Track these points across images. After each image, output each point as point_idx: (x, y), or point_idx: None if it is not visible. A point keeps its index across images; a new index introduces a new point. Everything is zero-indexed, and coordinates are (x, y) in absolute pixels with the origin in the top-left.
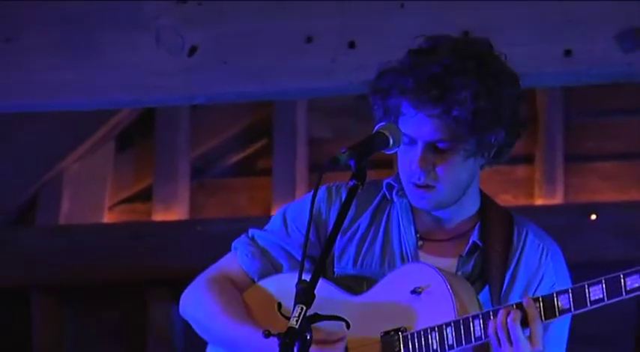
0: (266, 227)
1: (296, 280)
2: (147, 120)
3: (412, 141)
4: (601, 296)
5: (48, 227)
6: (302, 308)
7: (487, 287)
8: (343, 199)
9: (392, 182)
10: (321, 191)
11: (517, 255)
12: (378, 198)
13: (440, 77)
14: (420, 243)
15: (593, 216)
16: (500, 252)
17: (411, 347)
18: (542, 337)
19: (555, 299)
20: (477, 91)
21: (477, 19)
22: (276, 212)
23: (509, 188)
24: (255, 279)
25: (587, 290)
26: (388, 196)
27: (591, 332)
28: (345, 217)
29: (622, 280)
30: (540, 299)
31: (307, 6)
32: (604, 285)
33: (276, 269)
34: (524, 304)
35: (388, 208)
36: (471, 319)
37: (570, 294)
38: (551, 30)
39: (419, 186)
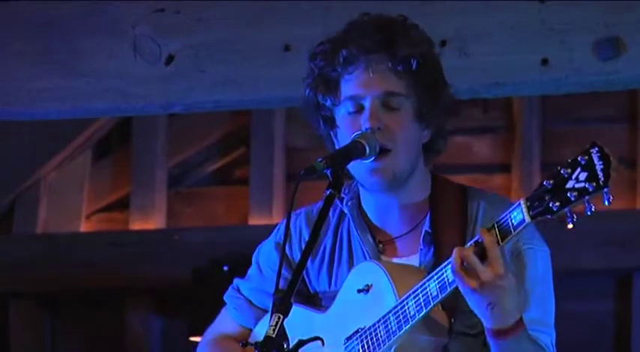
0: (247, 273)
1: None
2: (124, 129)
3: (359, 107)
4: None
5: (25, 235)
6: (279, 317)
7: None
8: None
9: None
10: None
11: (471, 229)
12: (337, 213)
13: (383, 26)
14: (380, 246)
15: (570, 225)
16: (457, 231)
17: (365, 344)
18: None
19: (509, 218)
20: (421, 39)
21: (454, 28)
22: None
23: None
24: (252, 327)
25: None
26: (341, 208)
27: (569, 339)
28: (321, 226)
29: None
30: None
31: (286, 15)
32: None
33: (265, 313)
34: (480, 234)
35: (347, 220)
36: (405, 301)
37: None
38: (529, 39)
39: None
